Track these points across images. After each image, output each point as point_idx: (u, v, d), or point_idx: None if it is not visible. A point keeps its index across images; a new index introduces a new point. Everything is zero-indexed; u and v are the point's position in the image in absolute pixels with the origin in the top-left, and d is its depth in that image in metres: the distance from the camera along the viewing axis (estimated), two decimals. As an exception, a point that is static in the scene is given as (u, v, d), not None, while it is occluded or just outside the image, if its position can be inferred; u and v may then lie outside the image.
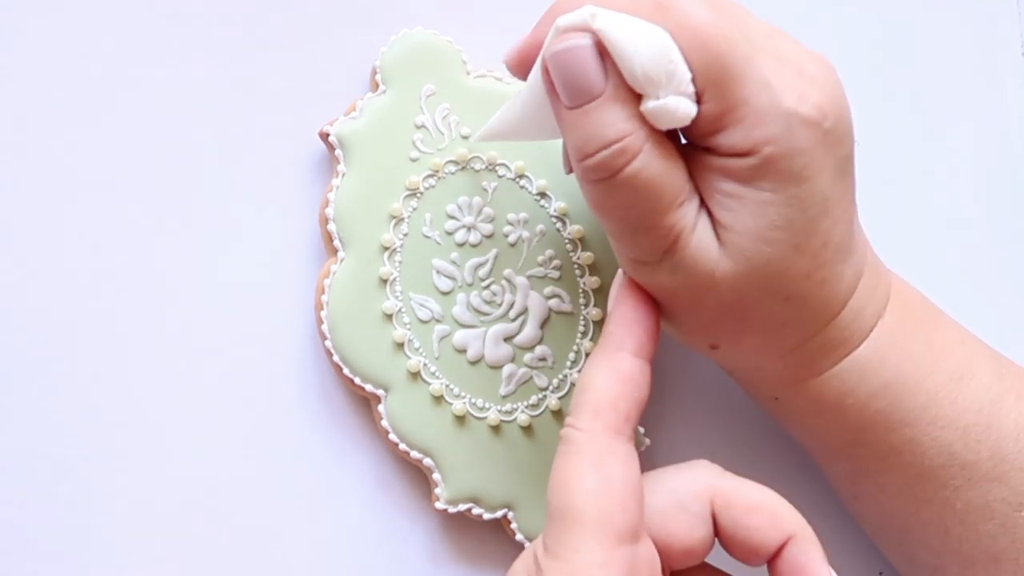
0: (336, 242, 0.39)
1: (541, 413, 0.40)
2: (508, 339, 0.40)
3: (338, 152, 0.40)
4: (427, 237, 0.40)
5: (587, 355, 0.40)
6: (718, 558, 0.33)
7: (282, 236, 0.41)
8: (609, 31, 0.31)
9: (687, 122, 0.31)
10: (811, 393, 0.36)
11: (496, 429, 0.39)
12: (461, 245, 0.40)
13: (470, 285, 0.40)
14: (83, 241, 0.40)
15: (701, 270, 0.32)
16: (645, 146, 0.31)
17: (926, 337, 0.36)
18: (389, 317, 0.39)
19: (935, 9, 0.46)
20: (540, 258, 0.40)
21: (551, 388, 0.40)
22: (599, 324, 0.40)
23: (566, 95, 0.32)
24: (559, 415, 0.40)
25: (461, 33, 0.41)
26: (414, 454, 0.39)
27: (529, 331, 0.40)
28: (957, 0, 0.46)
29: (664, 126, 0.31)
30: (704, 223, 0.32)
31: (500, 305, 0.40)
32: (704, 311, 0.34)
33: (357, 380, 0.39)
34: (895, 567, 0.40)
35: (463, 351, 0.39)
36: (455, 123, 0.40)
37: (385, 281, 0.39)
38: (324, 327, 0.39)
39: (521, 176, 0.40)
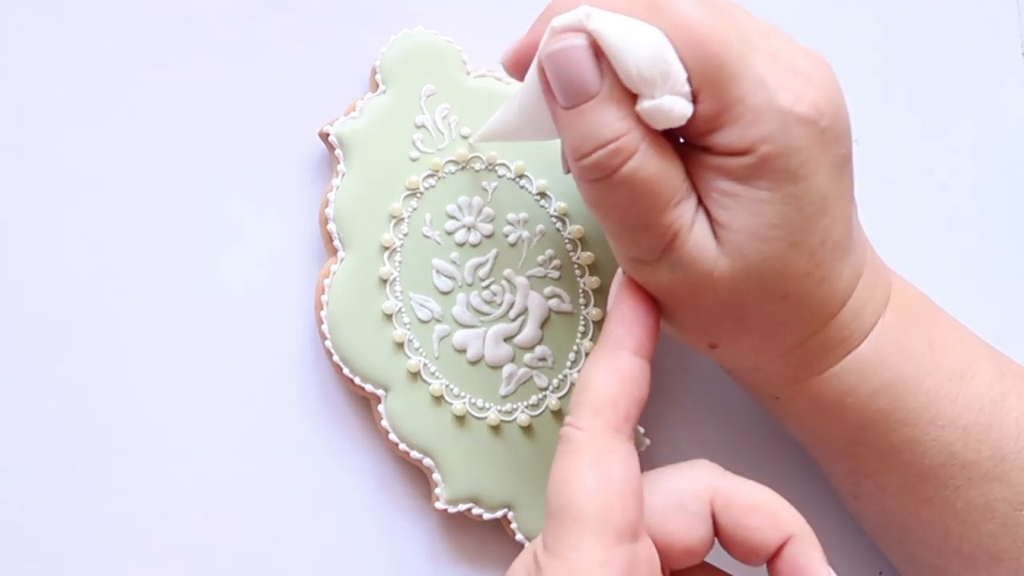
0: (336, 242, 0.39)
1: (541, 413, 0.40)
2: (508, 339, 0.40)
3: (338, 152, 0.40)
4: (427, 237, 0.40)
5: (587, 355, 0.40)
6: (718, 558, 0.33)
7: (282, 236, 0.41)
8: (604, 31, 0.31)
9: (683, 122, 0.31)
10: (811, 392, 0.36)
11: (496, 429, 0.39)
12: (461, 245, 0.40)
13: (470, 285, 0.40)
14: (83, 241, 0.40)
15: (699, 268, 0.32)
16: (641, 145, 0.31)
17: (926, 336, 0.36)
18: (389, 317, 0.39)
19: (935, 9, 0.46)
20: (540, 258, 0.40)
21: (551, 388, 0.40)
22: (599, 324, 0.40)
23: (562, 95, 0.32)
24: (559, 415, 0.40)
25: (461, 33, 0.41)
26: (414, 454, 0.39)
27: (529, 331, 0.40)
28: (957, 0, 0.46)
29: (660, 126, 0.31)
30: (702, 222, 0.32)
31: (500, 305, 0.40)
32: (703, 310, 0.34)
33: (357, 380, 0.39)
34: (895, 567, 0.40)
35: (463, 351, 0.39)
36: (455, 123, 0.40)
37: (385, 281, 0.39)
38: (324, 327, 0.39)
39: (521, 176, 0.41)
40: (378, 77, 0.40)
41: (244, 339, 0.40)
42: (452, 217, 0.40)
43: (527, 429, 0.39)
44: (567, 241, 0.41)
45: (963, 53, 0.46)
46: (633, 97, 0.31)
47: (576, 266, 0.41)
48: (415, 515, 0.41)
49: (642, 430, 0.40)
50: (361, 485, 0.40)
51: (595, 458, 0.31)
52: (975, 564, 0.36)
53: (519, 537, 0.40)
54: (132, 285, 0.40)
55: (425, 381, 0.39)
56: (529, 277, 0.40)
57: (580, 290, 0.40)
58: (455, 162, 0.40)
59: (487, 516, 0.39)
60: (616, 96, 0.31)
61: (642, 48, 0.31)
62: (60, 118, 0.40)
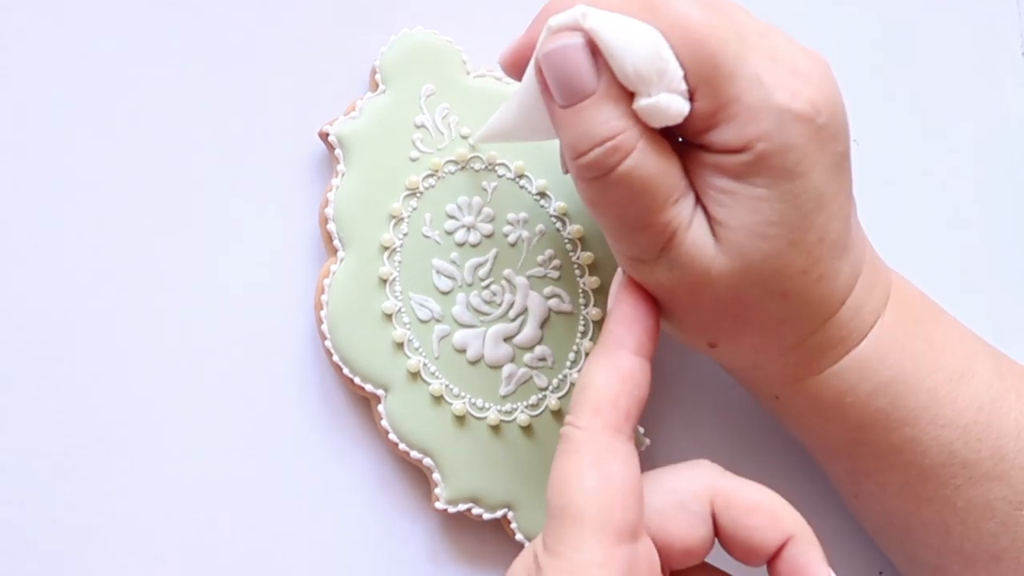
0: (336, 242, 0.39)
1: (541, 413, 0.40)
2: (508, 339, 0.40)
3: (338, 152, 0.40)
4: (427, 237, 0.40)
5: (587, 355, 0.40)
6: (718, 558, 0.33)
7: (282, 236, 0.41)
8: (600, 30, 0.31)
9: (680, 120, 0.31)
10: (811, 392, 0.36)
11: (496, 429, 0.39)
12: (461, 245, 0.40)
13: (470, 285, 0.40)
14: (83, 241, 0.40)
15: (698, 267, 0.32)
16: (638, 143, 0.31)
17: (926, 335, 0.36)
18: (389, 317, 0.39)
19: (935, 9, 0.46)
20: (540, 258, 0.40)
21: (551, 388, 0.40)
22: (599, 324, 0.40)
23: (559, 94, 0.32)
24: (559, 415, 0.40)
25: (461, 33, 0.41)
26: (414, 454, 0.39)
27: (529, 331, 0.40)
28: (957, 0, 0.46)
29: (657, 124, 0.31)
30: (700, 220, 0.32)
31: (500, 305, 0.40)
32: (702, 308, 0.34)
33: (357, 380, 0.39)
34: (896, 566, 0.40)
35: (463, 351, 0.39)
36: (455, 123, 0.40)
37: (385, 281, 0.39)
38: (324, 327, 0.39)
39: (521, 176, 0.41)
40: (378, 77, 0.40)
41: (244, 339, 0.40)
42: (452, 217, 0.40)
43: (527, 429, 0.39)
44: (567, 241, 0.41)
45: (963, 53, 0.46)
46: (630, 95, 0.31)
47: (576, 266, 0.41)
48: (415, 515, 0.41)
49: (642, 430, 0.40)
50: (361, 485, 0.40)
51: (595, 458, 0.31)
52: (975, 563, 0.36)
53: (519, 537, 0.40)
54: (132, 285, 0.40)
55: (425, 381, 0.39)
56: (529, 277, 0.40)
57: (580, 290, 0.40)
58: (455, 162, 0.40)
59: (487, 516, 0.39)
60: (613, 94, 0.31)
61: (638, 46, 0.31)
62: (60, 118, 0.40)
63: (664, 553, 0.32)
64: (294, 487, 0.40)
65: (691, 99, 0.31)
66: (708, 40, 0.31)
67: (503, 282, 0.40)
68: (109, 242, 0.40)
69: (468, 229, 0.40)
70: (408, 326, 0.39)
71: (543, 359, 0.40)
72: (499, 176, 0.40)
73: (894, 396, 0.35)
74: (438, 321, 0.39)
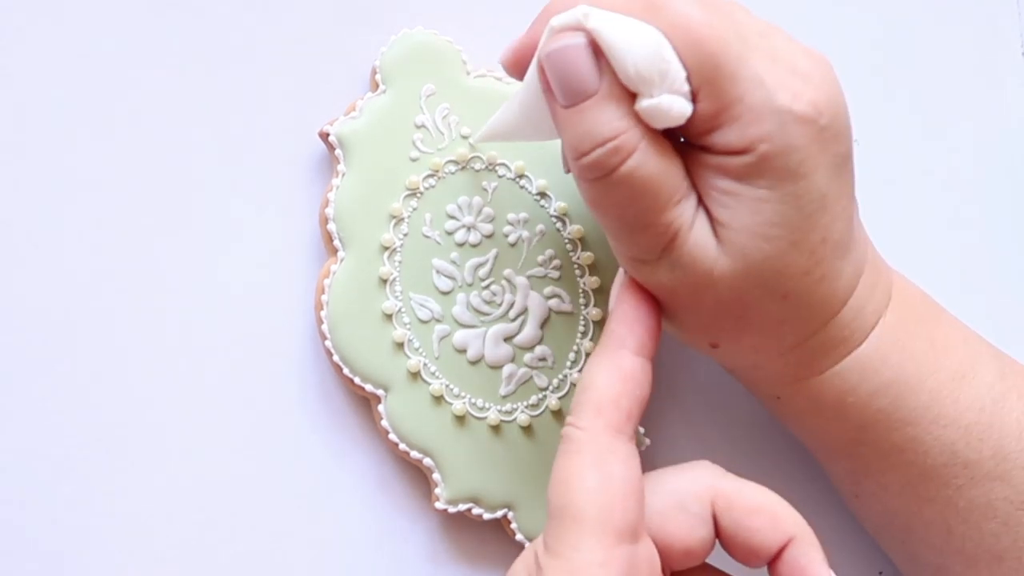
0: (336, 242, 0.39)
1: (541, 413, 0.40)
2: (508, 339, 0.40)
3: (338, 152, 0.40)
4: (427, 237, 0.40)
5: (587, 355, 0.40)
6: (719, 559, 0.33)
7: (282, 236, 0.41)
8: (602, 30, 0.31)
9: (681, 121, 0.31)
10: (812, 392, 0.36)
11: (496, 429, 0.39)
12: (461, 245, 0.40)
13: (470, 285, 0.40)
14: (83, 241, 0.40)
15: (699, 268, 0.32)
16: (640, 144, 0.31)
17: (928, 335, 0.36)
18: (389, 317, 0.39)
19: (935, 9, 0.46)
20: (540, 258, 0.40)
21: (551, 388, 0.40)
22: (599, 324, 0.40)
23: (561, 94, 0.32)
24: (559, 415, 0.40)
25: (461, 33, 0.41)
26: (414, 454, 0.39)
27: (529, 331, 0.40)
28: (957, 0, 0.46)
29: (659, 125, 0.31)
30: (702, 221, 0.32)
31: (500, 305, 0.40)
32: (703, 309, 0.34)
33: (357, 380, 0.39)
34: (897, 566, 0.40)
35: (463, 351, 0.39)
36: (455, 123, 0.40)
37: (385, 281, 0.39)
38: (324, 327, 0.39)
39: (521, 176, 0.40)
40: (378, 77, 0.40)
41: (244, 339, 0.40)
42: (452, 217, 0.40)
43: (527, 429, 0.39)
44: (567, 241, 0.41)
45: (963, 53, 0.46)
46: (632, 96, 0.31)
47: (576, 266, 0.40)
48: (415, 515, 0.41)
49: (642, 430, 0.40)
50: (361, 485, 0.40)
51: (596, 458, 0.31)
52: (977, 563, 0.36)
53: (519, 537, 0.40)
54: (132, 285, 0.40)
55: (425, 381, 0.39)
56: (529, 277, 0.40)
57: (580, 290, 0.40)
58: (455, 162, 0.40)
59: (487, 516, 0.39)
60: (615, 95, 0.31)
61: (640, 47, 0.31)
62: (60, 118, 0.40)
63: (664, 554, 0.32)
64: (294, 487, 0.40)
65: (694, 100, 0.31)
66: (709, 41, 0.31)
67: (503, 282, 0.40)
68: (109, 242, 0.40)
69: (468, 229, 0.40)
70: (408, 326, 0.39)
71: (543, 359, 0.40)
72: (499, 176, 0.40)
73: (896, 396, 0.35)
74: (438, 321, 0.39)
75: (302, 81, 0.41)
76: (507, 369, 0.40)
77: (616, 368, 0.32)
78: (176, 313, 0.40)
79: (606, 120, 0.31)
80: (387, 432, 0.39)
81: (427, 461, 0.39)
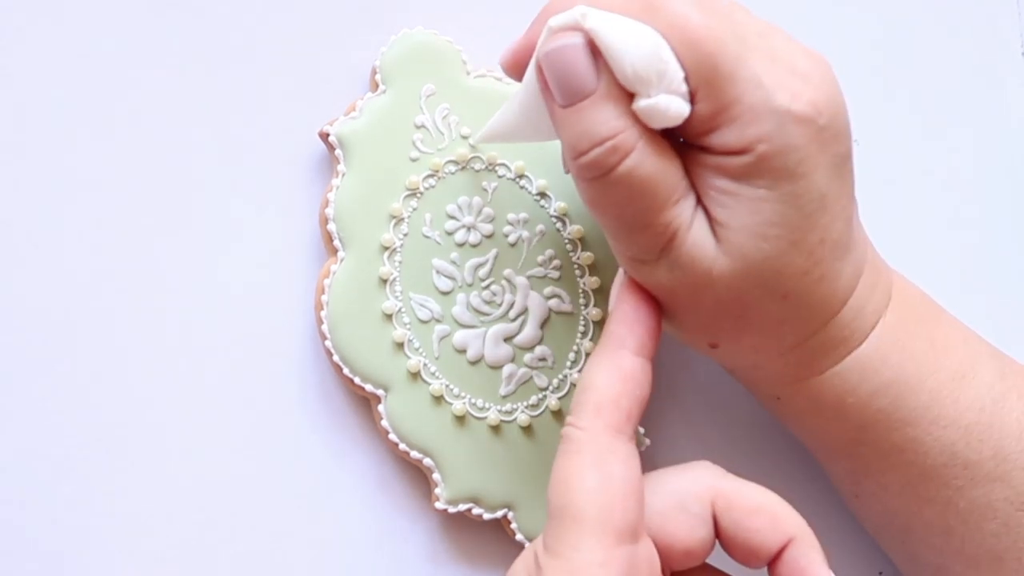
0: (336, 242, 0.39)
1: (541, 413, 0.40)
2: (508, 339, 0.40)
3: (338, 152, 0.40)
4: (427, 237, 0.40)
5: (587, 355, 0.40)
6: (719, 559, 0.33)
7: (282, 236, 0.41)
8: (600, 30, 0.31)
9: (680, 121, 0.31)
10: (812, 392, 0.36)
11: (496, 429, 0.39)
12: (461, 245, 0.40)
13: (470, 285, 0.40)
14: (83, 241, 0.40)
15: (698, 267, 0.32)
16: (638, 144, 0.31)
17: (928, 335, 0.36)
18: (389, 317, 0.39)
19: (935, 9, 0.46)
20: (540, 258, 0.40)
21: (551, 388, 0.40)
22: (599, 324, 0.40)
23: (559, 94, 0.32)
24: (559, 415, 0.40)
25: (461, 33, 0.41)
26: (414, 454, 0.39)
27: (529, 331, 0.40)
28: (957, 0, 0.46)
29: (657, 125, 0.31)
30: (701, 221, 0.32)
31: (500, 305, 0.40)
32: (703, 309, 0.34)
33: (357, 380, 0.39)
34: (897, 566, 0.40)
35: (463, 351, 0.39)
36: (455, 123, 0.40)
37: (385, 281, 0.39)
38: (324, 327, 0.39)
39: (521, 176, 0.40)
40: (378, 77, 0.40)
41: (244, 339, 0.40)
42: (452, 217, 0.40)
43: (527, 429, 0.39)
44: (567, 241, 0.41)
45: (963, 53, 0.46)
46: (630, 96, 0.31)
47: (576, 266, 0.40)
48: (415, 515, 0.41)
49: (642, 430, 0.40)
50: (361, 485, 0.40)
51: (596, 458, 0.31)
52: (978, 564, 0.36)
53: (519, 537, 0.40)
54: (132, 285, 0.40)
55: (425, 381, 0.39)
56: (529, 277, 0.40)
57: (580, 290, 0.40)
58: (455, 162, 0.40)
59: (487, 516, 0.39)
60: (613, 94, 0.31)
61: (638, 47, 0.31)
62: (60, 118, 0.40)
63: (664, 554, 0.32)
64: (294, 487, 0.40)
65: (692, 101, 0.31)
66: (707, 41, 0.31)
67: (503, 282, 0.40)
68: (109, 242, 0.40)
69: (468, 229, 0.40)
70: (408, 326, 0.39)
71: (543, 359, 0.40)
72: (499, 176, 0.40)
73: (895, 396, 0.35)
74: (438, 321, 0.39)
75: (302, 81, 0.41)
76: (507, 369, 0.40)
77: (616, 368, 0.32)
78: (176, 313, 0.40)
79: (604, 119, 0.31)
80: (387, 432, 0.39)
81: (427, 461, 0.39)
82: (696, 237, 0.32)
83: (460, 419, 0.39)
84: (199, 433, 0.40)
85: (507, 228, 0.40)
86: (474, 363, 0.39)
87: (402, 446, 0.39)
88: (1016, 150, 0.46)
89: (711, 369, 0.42)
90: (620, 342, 0.32)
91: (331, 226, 0.39)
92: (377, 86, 0.41)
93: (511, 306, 0.40)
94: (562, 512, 0.30)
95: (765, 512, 0.32)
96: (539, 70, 0.32)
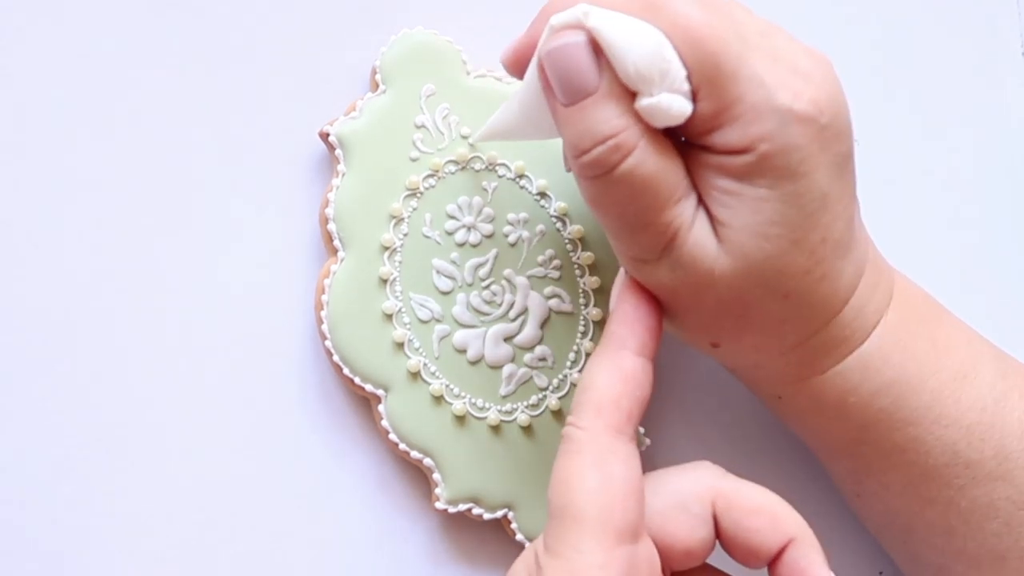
0: (336, 242, 0.39)
1: (541, 413, 0.40)
2: (508, 339, 0.40)
3: (338, 152, 0.40)
4: (427, 237, 0.40)
5: (587, 355, 0.40)
6: (719, 560, 0.33)
7: (282, 236, 0.41)
8: (602, 29, 0.31)
9: (682, 120, 0.31)
10: (813, 391, 0.36)
11: (496, 429, 0.39)
12: (461, 245, 0.40)
13: (470, 285, 0.40)
14: (83, 241, 0.40)
15: (700, 267, 0.32)
16: (640, 142, 0.31)
17: (930, 335, 0.36)
18: (389, 317, 0.39)
19: (935, 9, 0.46)
20: (540, 258, 0.40)
21: (551, 388, 0.40)
22: (599, 324, 0.40)
23: (561, 92, 0.32)
24: (559, 415, 0.40)
25: (461, 33, 0.41)
26: (414, 454, 0.39)
27: (529, 331, 0.40)
28: (957, 0, 0.46)
29: (659, 123, 0.31)
30: (702, 220, 0.32)
31: (500, 305, 0.40)
32: (704, 309, 0.34)
33: (357, 380, 0.39)
34: (899, 565, 0.40)
35: (463, 351, 0.39)
36: (455, 123, 0.40)
37: (385, 281, 0.39)
38: (324, 327, 0.39)
39: (521, 176, 0.40)
40: (378, 77, 0.40)
41: (244, 339, 0.40)
42: (452, 217, 0.40)
43: (527, 429, 0.39)
44: (567, 241, 0.41)
45: (963, 53, 0.46)
46: (632, 95, 0.31)
47: (576, 266, 0.40)
48: (415, 515, 0.41)
49: (642, 430, 0.40)
50: (361, 485, 0.40)
51: (597, 458, 0.31)
52: (979, 563, 0.36)
53: (519, 537, 0.39)
54: (132, 285, 0.40)
55: (425, 381, 0.39)
56: (529, 277, 0.40)
57: (580, 290, 0.40)
58: (455, 162, 0.40)
59: (487, 516, 0.39)
60: (615, 93, 0.31)
61: (640, 46, 0.31)
62: (60, 118, 0.40)
63: (665, 554, 0.32)
64: (294, 487, 0.40)
65: (694, 100, 0.31)
66: (710, 41, 0.31)
67: (503, 282, 0.40)
68: (109, 242, 0.40)
69: (468, 229, 0.40)
70: (408, 326, 0.39)
71: (543, 359, 0.40)
72: (499, 176, 0.40)
73: (897, 396, 0.35)
74: (438, 321, 0.39)
75: (302, 81, 0.41)
76: (507, 369, 0.40)
77: (617, 368, 0.32)
78: (176, 313, 0.40)
79: (606, 118, 0.31)
80: (387, 432, 0.39)
81: (427, 461, 0.39)
82: (697, 236, 0.32)
83: (460, 419, 0.39)
84: (199, 433, 0.40)
85: (507, 228, 0.40)
86: (474, 363, 0.39)
87: (402, 446, 0.39)
88: (1016, 150, 0.46)
89: (711, 369, 0.42)
90: (621, 342, 0.32)
91: (331, 226, 0.39)
92: (377, 86, 0.41)
93: (511, 306, 0.40)
94: (562, 512, 0.30)
95: (765, 512, 0.32)
96: (541, 68, 0.32)
